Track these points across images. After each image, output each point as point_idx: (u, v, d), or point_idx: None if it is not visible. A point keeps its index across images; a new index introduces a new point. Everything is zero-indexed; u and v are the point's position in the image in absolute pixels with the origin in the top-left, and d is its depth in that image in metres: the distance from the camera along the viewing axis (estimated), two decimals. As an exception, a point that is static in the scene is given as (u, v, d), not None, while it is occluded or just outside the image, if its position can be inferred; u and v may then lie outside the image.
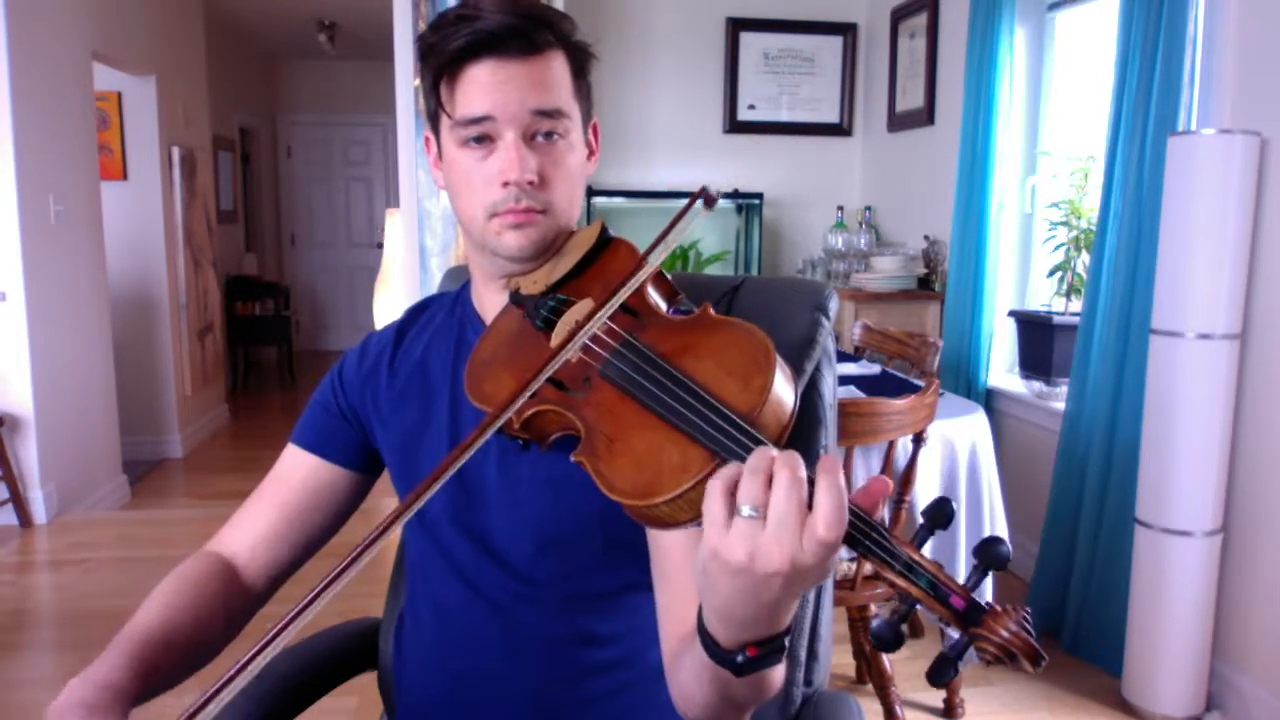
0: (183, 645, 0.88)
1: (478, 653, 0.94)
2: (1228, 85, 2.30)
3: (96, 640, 2.90)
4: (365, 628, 1.24)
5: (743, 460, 0.63)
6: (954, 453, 2.20)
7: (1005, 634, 0.57)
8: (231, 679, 0.66)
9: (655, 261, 0.82)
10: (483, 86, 0.87)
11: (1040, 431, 3.07)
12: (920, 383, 2.46)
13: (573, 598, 0.92)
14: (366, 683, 1.22)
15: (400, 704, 1.03)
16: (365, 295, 5.77)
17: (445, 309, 1.05)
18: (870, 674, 2.20)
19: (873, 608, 2.15)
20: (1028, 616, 0.58)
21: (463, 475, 0.94)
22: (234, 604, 0.97)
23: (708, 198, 0.83)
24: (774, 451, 0.61)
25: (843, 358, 2.85)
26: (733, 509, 0.60)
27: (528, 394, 0.75)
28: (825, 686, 1.14)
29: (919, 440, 2.03)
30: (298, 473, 1.02)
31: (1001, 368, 3.41)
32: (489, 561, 0.93)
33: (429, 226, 3.70)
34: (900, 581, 0.60)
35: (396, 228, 3.89)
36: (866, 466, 2.09)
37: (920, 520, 0.62)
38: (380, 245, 4.63)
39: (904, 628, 0.60)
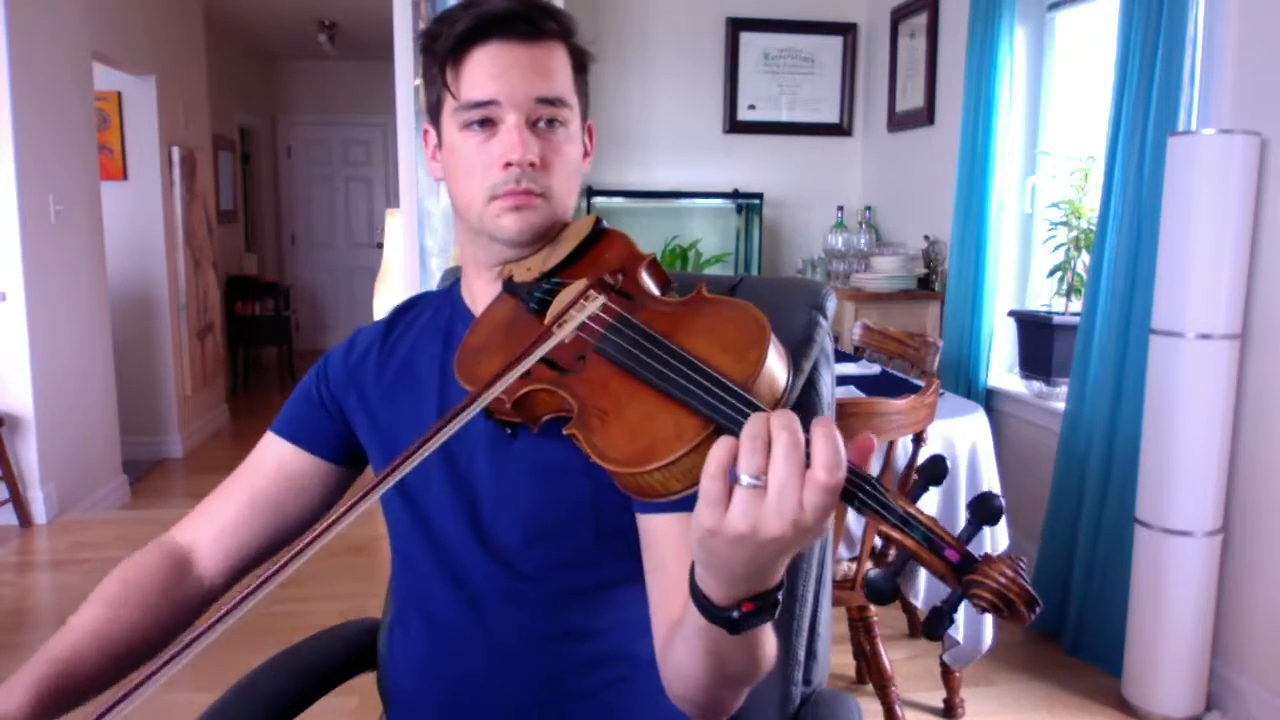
0: (110, 658, 0.88)
1: (468, 653, 0.94)
2: (1228, 85, 2.30)
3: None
4: (365, 628, 1.24)
5: (739, 426, 0.63)
6: (954, 453, 2.20)
7: (1001, 580, 0.58)
8: (193, 642, 0.68)
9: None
10: (487, 70, 0.88)
11: (1040, 431, 3.07)
12: (920, 383, 2.46)
13: (561, 593, 0.92)
14: (366, 683, 1.22)
15: (395, 707, 1.03)
16: (365, 295, 5.77)
17: (433, 306, 1.06)
18: (870, 674, 2.20)
19: (873, 607, 2.15)
20: (1022, 563, 0.58)
21: (453, 467, 0.94)
22: (181, 600, 0.96)
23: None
24: (768, 413, 0.61)
25: (843, 358, 2.85)
26: (729, 486, 0.60)
27: (521, 369, 0.76)
28: (824, 686, 1.14)
29: (919, 440, 2.03)
30: (271, 460, 1.02)
31: (1001, 368, 3.41)
32: (481, 554, 0.93)
33: (429, 226, 3.70)
34: (895, 534, 0.60)
35: (396, 228, 3.89)
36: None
37: (915, 478, 0.62)
38: (380, 245, 4.63)
39: (898, 580, 0.60)
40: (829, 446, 0.58)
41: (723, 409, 0.66)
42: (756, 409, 0.65)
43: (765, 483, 0.59)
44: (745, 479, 0.59)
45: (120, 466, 4.32)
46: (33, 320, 3.61)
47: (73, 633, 0.88)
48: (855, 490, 0.61)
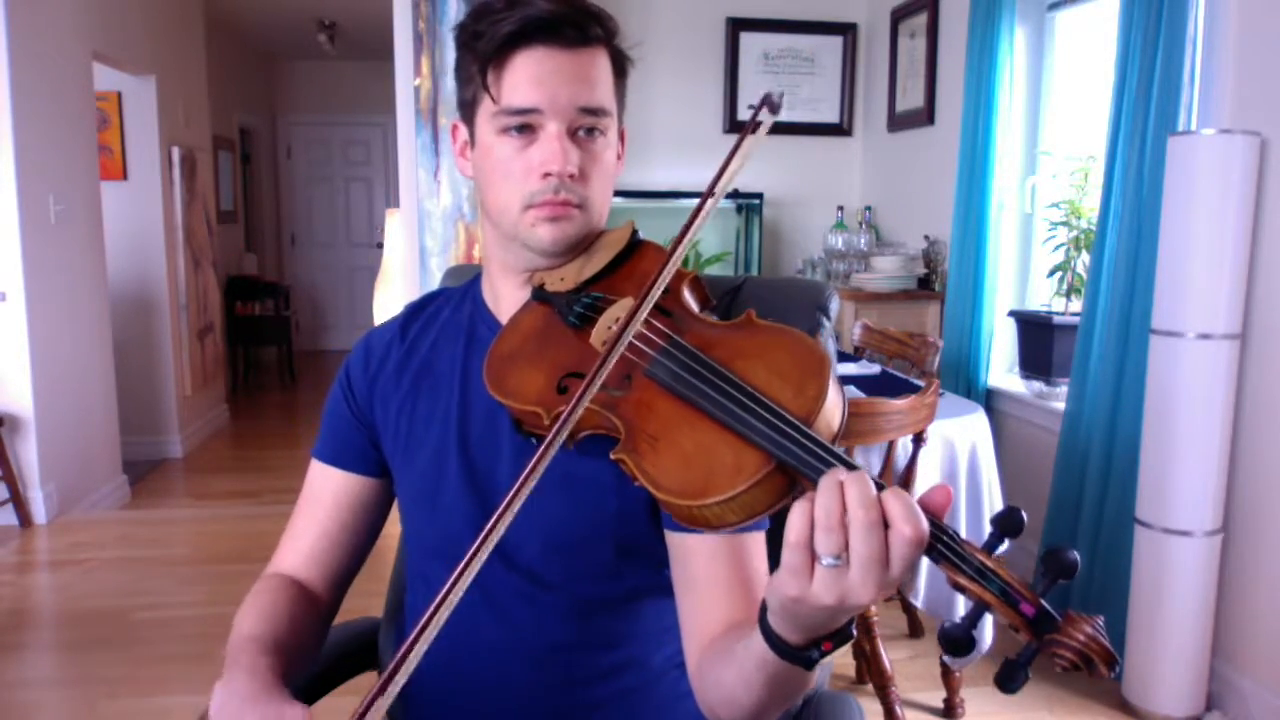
0: (289, 652, 0.90)
1: (482, 657, 0.93)
2: (1228, 85, 2.30)
3: (96, 640, 2.91)
4: (365, 628, 1.24)
5: (802, 464, 0.63)
6: (954, 453, 2.20)
7: (1082, 638, 0.58)
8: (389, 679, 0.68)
9: (711, 204, 0.78)
10: (531, 76, 0.86)
11: (1040, 431, 3.07)
12: (920, 383, 2.46)
13: (580, 603, 0.92)
14: (366, 683, 1.22)
15: (401, 707, 1.03)
16: (365, 295, 5.77)
17: (452, 305, 1.03)
18: (870, 674, 2.20)
19: (873, 607, 2.15)
20: (1100, 620, 0.59)
21: (472, 475, 0.93)
22: (314, 616, 0.98)
23: (772, 104, 0.78)
24: (843, 482, 0.60)
25: (843, 358, 2.85)
26: (813, 557, 0.60)
27: (588, 397, 0.73)
28: (825, 686, 1.14)
29: (919, 440, 2.03)
30: (327, 491, 1.01)
31: (1001, 368, 3.41)
32: (498, 563, 0.92)
33: (429, 226, 3.70)
34: (972, 586, 0.60)
35: (396, 228, 3.89)
36: (867, 467, 2.08)
37: (990, 529, 0.62)
38: (380, 245, 4.63)
39: (974, 632, 0.60)
40: (901, 503, 0.58)
41: (787, 444, 0.65)
42: (822, 448, 0.64)
43: (847, 559, 0.59)
44: (826, 560, 0.59)
45: (120, 466, 4.32)
46: (33, 320, 3.61)
47: (250, 627, 0.90)
48: (932, 541, 0.60)
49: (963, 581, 0.60)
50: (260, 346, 7.31)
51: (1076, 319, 2.74)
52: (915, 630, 2.74)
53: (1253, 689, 2.27)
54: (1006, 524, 0.60)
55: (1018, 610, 0.59)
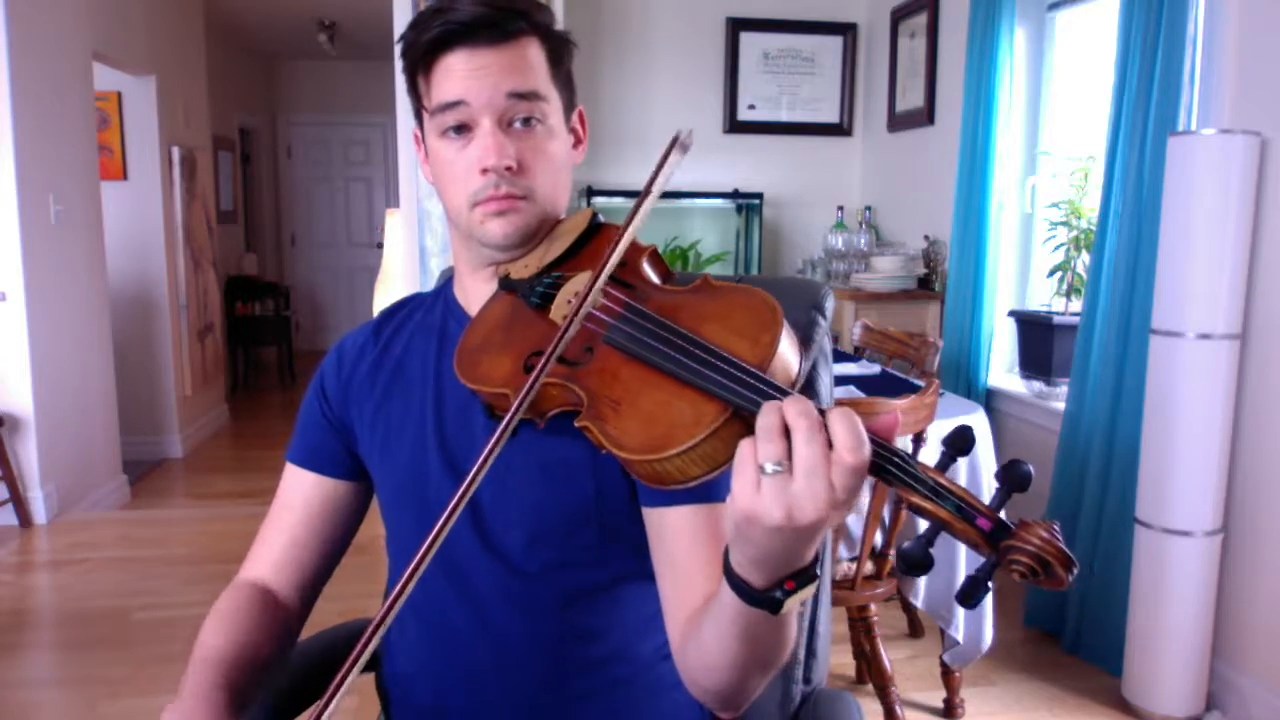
0: (251, 666, 0.90)
1: (468, 654, 0.93)
2: (1228, 85, 2.30)
3: (96, 640, 2.91)
4: (364, 628, 1.23)
5: (759, 408, 0.64)
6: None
7: (1038, 541, 0.58)
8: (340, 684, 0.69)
9: (645, 210, 0.80)
10: (456, 75, 0.88)
11: (1040, 431, 3.07)
12: (920, 383, 2.45)
13: (564, 593, 0.92)
14: (366, 682, 1.22)
15: (393, 709, 1.03)
16: (365, 295, 5.77)
17: (425, 307, 1.05)
18: (870, 674, 2.20)
19: (873, 608, 2.15)
20: (1057, 529, 0.59)
21: (453, 466, 0.94)
22: (279, 625, 0.98)
23: (682, 144, 0.81)
24: (782, 401, 0.61)
25: (843, 358, 2.85)
26: (758, 475, 0.61)
27: (549, 365, 0.74)
28: (824, 684, 1.14)
29: (919, 440, 2.03)
30: (299, 493, 1.02)
31: (1001, 368, 3.41)
32: (483, 555, 0.92)
33: (429, 226, 3.69)
34: (927, 505, 0.60)
35: (396, 228, 3.89)
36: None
37: (943, 449, 0.62)
38: (380, 245, 4.63)
39: (931, 551, 0.60)
40: (848, 427, 0.59)
41: (741, 391, 0.66)
42: (775, 389, 0.66)
43: (789, 467, 0.59)
44: (768, 466, 0.60)
45: (120, 466, 4.32)
46: (33, 320, 3.61)
47: (213, 642, 0.90)
48: (885, 464, 0.61)
49: (917, 501, 0.61)
50: (260, 346, 7.31)
51: (1076, 319, 2.74)
52: (915, 630, 2.74)
53: (1253, 689, 2.27)
54: (958, 442, 0.62)
55: (974, 525, 0.59)
